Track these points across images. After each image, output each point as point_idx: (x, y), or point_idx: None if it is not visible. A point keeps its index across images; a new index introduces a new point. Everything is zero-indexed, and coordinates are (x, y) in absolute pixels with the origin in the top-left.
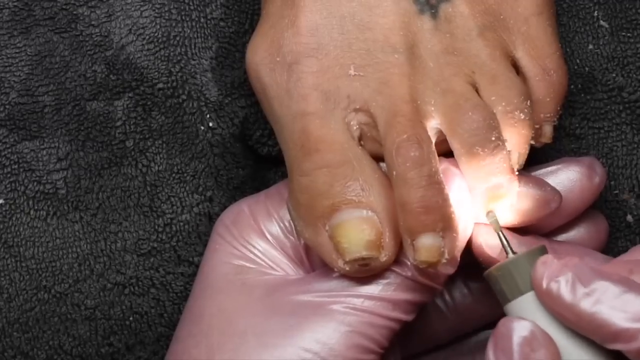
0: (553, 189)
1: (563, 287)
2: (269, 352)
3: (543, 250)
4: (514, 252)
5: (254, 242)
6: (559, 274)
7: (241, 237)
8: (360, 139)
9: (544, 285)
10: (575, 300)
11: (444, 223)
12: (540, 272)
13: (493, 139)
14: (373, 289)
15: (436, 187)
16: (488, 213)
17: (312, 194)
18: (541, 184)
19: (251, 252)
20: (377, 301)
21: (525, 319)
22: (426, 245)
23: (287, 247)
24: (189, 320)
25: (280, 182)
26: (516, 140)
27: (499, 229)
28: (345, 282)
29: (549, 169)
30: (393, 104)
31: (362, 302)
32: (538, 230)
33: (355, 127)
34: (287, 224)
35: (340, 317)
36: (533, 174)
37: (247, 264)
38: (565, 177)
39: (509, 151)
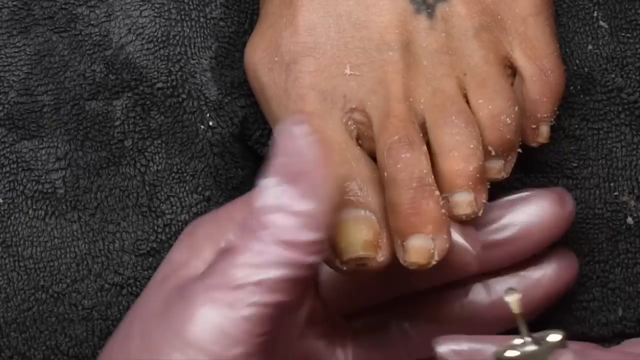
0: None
1: None
2: (147, 352)
3: (564, 343)
4: (530, 335)
5: (201, 249)
6: None
7: (189, 243)
8: (358, 138)
9: None
10: None
11: (434, 225)
12: None
13: (471, 146)
14: (230, 277)
15: (427, 189)
16: (508, 290)
17: None
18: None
19: (193, 256)
20: (236, 289)
21: None
22: (416, 246)
23: None
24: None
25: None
26: (501, 145)
27: (520, 311)
28: (213, 273)
29: (520, 195)
30: (386, 104)
31: (220, 293)
32: (506, 262)
33: (352, 127)
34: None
35: (202, 311)
36: (504, 199)
37: (176, 270)
38: (536, 206)
39: (493, 157)
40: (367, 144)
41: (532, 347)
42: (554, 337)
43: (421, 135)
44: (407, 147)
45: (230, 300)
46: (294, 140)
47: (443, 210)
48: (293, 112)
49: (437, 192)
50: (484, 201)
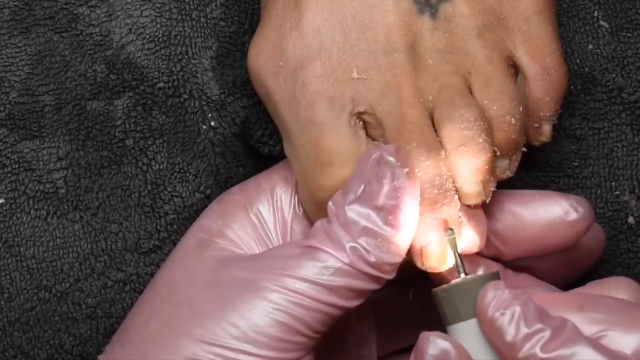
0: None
1: (507, 322)
2: (197, 323)
3: (495, 277)
4: (466, 274)
5: (233, 216)
6: (507, 306)
7: (220, 210)
8: (367, 132)
9: (489, 314)
10: (516, 339)
11: (455, 228)
12: (489, 299)
13: (480, 140)
14: (309, 271)
15: (447, 194)
16: (447, 230)
17: None
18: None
19: (226, 225)
20: (311, 284)
21: (442, 337)
22: (436, 252)
23: (269, 221)
24: (145, 289)
25: (275, 167)
26: (506, 145)
27: (455, 248)
28: (286, 262)
29: (533, 191)
30: (399, 110)
31: (294, 282)
32: (503, 252)
33: (361, 125)
34: (277, 197)
35: (268, 294)
36: (515, 191)
37: (213, 238)
38: (540, 206)
39: (494, 157)
40: (376, 133)
41: (462, 277)
42: (488, 272)
43: (438, 139)
44: (426, 153)
45: (304, 292)
46: (383, 168)
47: (460, 214)
48: (303, 120)
49: (457, 196)
50: (492, 189)
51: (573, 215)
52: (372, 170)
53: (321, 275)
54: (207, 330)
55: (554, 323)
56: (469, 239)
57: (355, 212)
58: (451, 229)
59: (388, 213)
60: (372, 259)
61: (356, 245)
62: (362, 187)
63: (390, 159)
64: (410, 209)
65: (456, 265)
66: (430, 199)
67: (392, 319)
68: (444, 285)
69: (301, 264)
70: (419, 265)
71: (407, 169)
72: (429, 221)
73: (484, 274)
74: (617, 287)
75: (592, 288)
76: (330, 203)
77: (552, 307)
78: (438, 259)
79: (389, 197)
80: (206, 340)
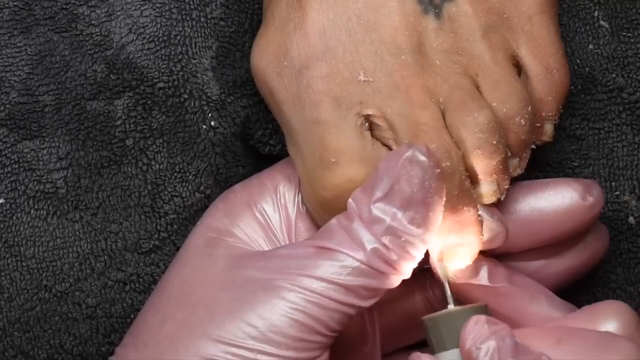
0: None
1: (482, 356)
2: (214, 324)
3: (483, 310)
4: (454, 304)
5: (239, 215)
6: (484, 340)
7: (225, 209)
8: (372, 133)
9: (467, 346)
10: None
11: (474, 230)
12: (468, 333)
13: (494, 142)
14: (326, 271)
15: (467, 194)
16: (438, 262)
17: (339, 207)
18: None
19: (233, 224)
20: (328, 284)
21: None
22: (459, 254)
23: (274, 219)
24: (155, 290)
25: (276, 166)
26: (516, 145)
27: (446, 278)
28: (303, 262)
29: (545, 180)
30: (411, 112)
31: (311, 282)
32: (520, 243)
33: (366, 126)
34: (280, 195)
35: (285, 294)
36: (528, 182)
37: (222, 237)
38: (555, 193)
39: (508, 157)
40: (382, 135)
41: (450, 307)
42: (476, 304)
43: (454, 140)
44: (445, 155)
45: (321, 292)
46: (415, 167)
47: (479, 212)
48: (308, 120)
49: (474, 195)
50: (507, 186)
51: (590, 199)
52: (403, 169)
53: (338, 275)
54: (225, 331)
55: (529, 358)
56: (489, 236)
57: (381, 210)
58: (441, 261)
59: (415, 213)
60: (394, 257)
61: (378, 243)
62: (391, 185)
63: (423, 158)
64: (436, 210)
65: (446, 296)
66: (452, 200)
67: (396, 316)
68: (432, 315)
69: (318, 264)
70: (434, 262)
71: (438, 170)
72: (450, 223)
73: (471, 305)
74: (605, 313)
75: (582, 314)
76: (350, 200)
77: (531, 341)
78: (458, 260)
79: (419, 197)
80: (224, 340)
